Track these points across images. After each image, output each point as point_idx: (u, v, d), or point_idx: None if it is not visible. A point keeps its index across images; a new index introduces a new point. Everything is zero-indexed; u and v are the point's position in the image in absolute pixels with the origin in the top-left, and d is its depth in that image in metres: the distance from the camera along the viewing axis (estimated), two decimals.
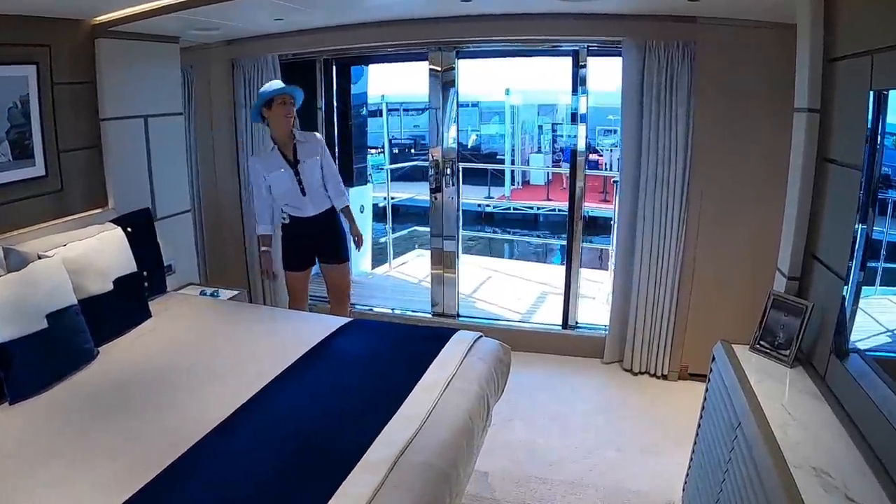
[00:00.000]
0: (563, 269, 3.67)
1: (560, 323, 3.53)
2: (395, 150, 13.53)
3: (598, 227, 8.38)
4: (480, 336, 2.25)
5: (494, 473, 2.32)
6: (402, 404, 1.74)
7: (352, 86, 4.22)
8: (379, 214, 5.64)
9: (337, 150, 4.03)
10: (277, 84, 2.81)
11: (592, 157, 10.55)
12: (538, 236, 10.73)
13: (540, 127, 13.94)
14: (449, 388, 1.86)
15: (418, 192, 5.73)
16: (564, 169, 4.01)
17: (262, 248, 2.97)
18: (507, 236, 10.34)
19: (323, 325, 2.35)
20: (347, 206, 3.04)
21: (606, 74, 3.42)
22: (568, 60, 3.24)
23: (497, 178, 12.25)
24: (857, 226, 1.44)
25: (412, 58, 3.86)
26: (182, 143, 3.17)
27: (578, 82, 3.23)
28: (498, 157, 13.83)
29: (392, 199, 5.50)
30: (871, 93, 1.39)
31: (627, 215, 3.13)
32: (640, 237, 3.08)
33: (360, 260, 4.80)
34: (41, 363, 1.87)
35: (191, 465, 1.50)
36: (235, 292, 3.04)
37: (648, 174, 2.99)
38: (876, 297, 1.45)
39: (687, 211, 2.98)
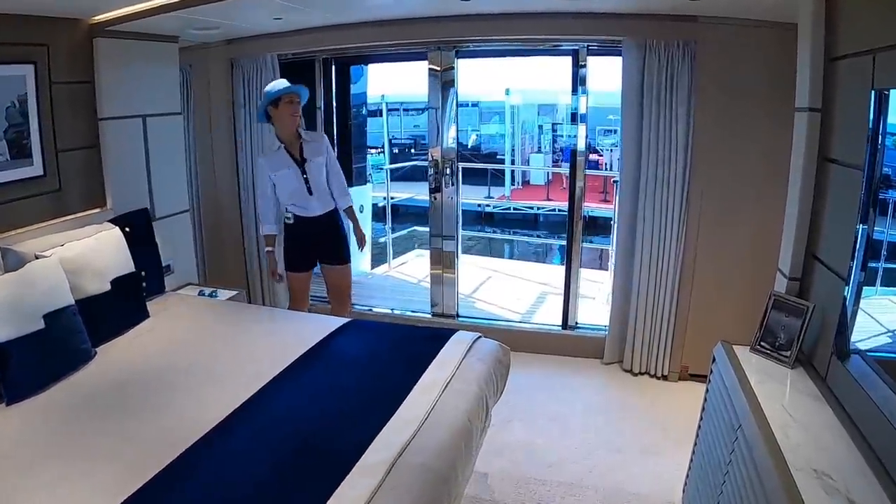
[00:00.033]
0: (562, 269, 3.66)
1: (560, 323, 3.52)
2: (395, 150, 13.53)
3: (598, 227, 8.37)
4: (479, 337, 2.24)
5: (494, 474, 2.31)
6: (401, 406, 1.73)
7: (351, 85, 4.21)
8: (378, 214, 5.64)
9: (336, 149, 4.01)
10: (283, 83, 2.80)
11: (592, 157, 10.54)
12: (538, 236, 10.73)
13: (540, 127, 13.94)
14: (447, 389, 1.85)
15: (418, 192, 5.73)
16: (564, 169, 3.99)
17: (267, 249, 2.94)
18: (507, 236, 10.33)
19: (321, 326, 2.35)
20: (351, 207, 3.04)
21: (606, 74, 3.41)
22: (568, 60, 3.23)
23: (497, 178, 12.25)
24: (858, 226, 1.43)
25: (411, 57, 3.85)
26: (181, 143, 3.16)
27: (578, 82, 3.22)
28: (498, 156, 13.83)
29: (392, 198, 5.50)
30: (873, 92, 1.38)
31: (627, 215, 3.12)
32: (640, 237, 3.07)
33: (360, 260, 4.79)
34: (38, 364, 1.86)
35: (188, 465, 1.49)
36: (234, 292, 3.03)
37: (648, 174, 2.99)
38: (877, 298, 1.44)
39: (687, 211, 2.97)
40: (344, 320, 2.44)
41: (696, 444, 1.95)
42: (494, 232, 10.23)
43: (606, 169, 10.82)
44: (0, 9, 2.18)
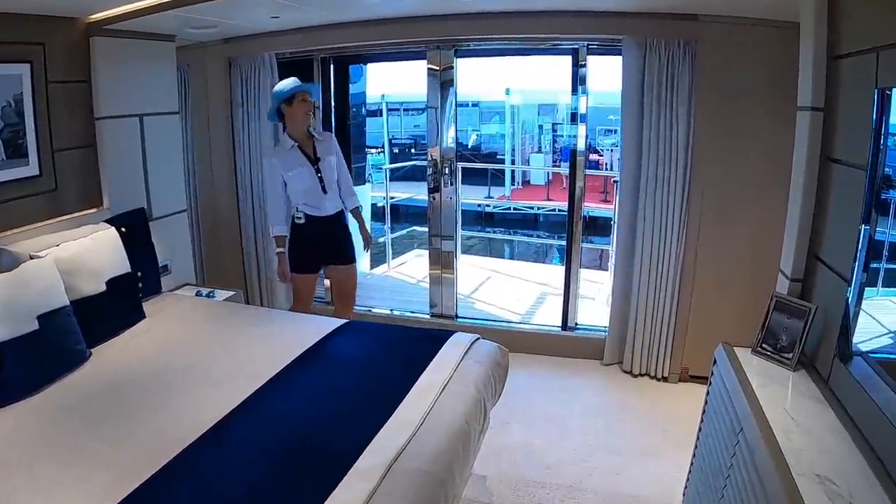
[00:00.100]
0: (562, 269, 3.64)
1: (559, 324, 3.51)
2: (395, 150, 13.53)
3: (598, 227, 8.36)
4: (478, 338, 2.22)
5: (492, 477, 2.29)
6: (398, 408, 1.72)
7: (351, 85, 4.20)
8: (378, 214, 5.63)
9: None
10: (295, 81, 2.79)
11: (593, 156, 10.53)
12: (538, 236, 10.72)
13: (540, 127, 13.94)
14: (445, 391, 1.83)
15: (417, 192, 5.72)
16: (564, 169, 3.98)
17: (279, 250, 2.87)
18: (506, 236, 10.32)
19: (319, 327, 2.33)
20: (357, 207, 3.03)
21: (606, 74, 3.40)
22: (568, 59, 3.21)
23: (497, 178, 12.25)
24: (861, 227, 1.41)
25: (410, 57, 3.84)
26: (178, 143, 3.14)
27: (578, 81, 3.20)
28: (498, 156, 13.83)
29: (391, 198, 5.48)
30: (876, 91, 1.36)
31: (627, 215, 3.11)
32: (640, 237, 3.05)
33: (360, 260, 4.77)
34: (32, 365, 1.84)
35: (184, 467, 1.48)
36: (231, 293, 3.01)
37: (649, 174, 2.97)
38: (878, 299, 1.42)
39: (688, 211, 2.95)
40: (341, 321, 2.42)
41: (696, 446, 1.93)
42: (494, 232, 10.22)
43: (606, 169, 10.81)
44: None
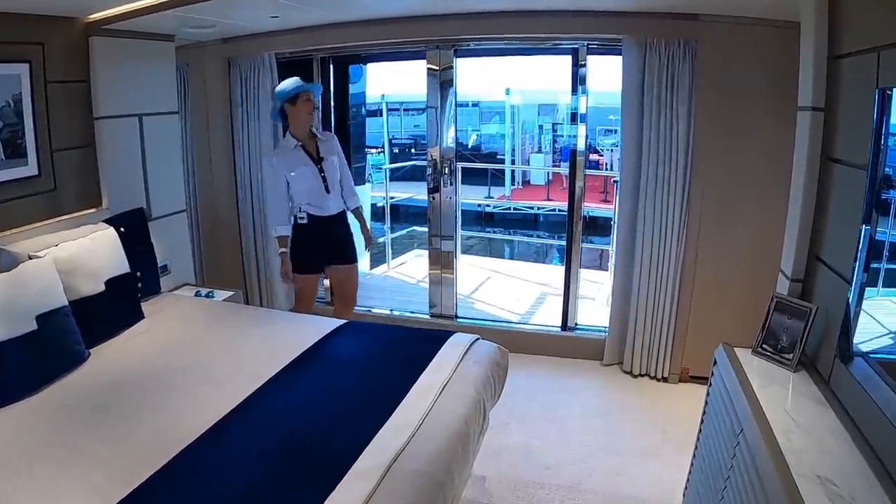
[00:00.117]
0: (562, 269, 3.63)
1: (559, 324, 3.50)
2: (396, 150, 13.53)
3: (598, 227, 8.36)
4: (477, 339, 2.22)
5: (491, 478, 2.28)
6: (396, 409, 1.71)
7: (350, 85, 4.19)
8: (378, 214, 5.62)
9: None
10: (298, 81, 2.79)
11: (593, 157, 10.53)
12: (538, 236, 10.71)
13: (540, 127, 13.94)
14: (444, 392, 1.83)
15: (417, 192, 5.71)
16: (564, 169, 3.97)
17: (282, 251, 2.85)
18: (506, 236, 10.32)
19: (318, 327, 2.33)
20: (359, 207, 3.02)
21: (607, 74, 3.40)
22: (568, 59, 3.21)
23: (497, 178, 12.24)
24: (861, 227, 1.40)
25: (410, 56, 3.83)
26: (177, 143, 3.13)
27: (578, 81, 3.19)
28: (498, 156, 13.83)
29: (391, 198, 5.48)
30: (877, 91, 1.35)
31: (627, 215, 3.10)
32: (640, 237, 3.05)
33: (360, 260, 4.77)
34: (30, 365, 1.84)
35: (182, 468, 1.48)
36: (231, 293, 3.00)
37: (649, 174, 2.96)
38: (879, 299, 1.41)
39: (688, 211, 2.94)
40: (340, 322, 2.42)
41: (696, 447, 1.93)
42: (494, 232, 10.21)
43: (606, 169, 10.81)
44: None
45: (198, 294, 2.92)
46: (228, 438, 1.60)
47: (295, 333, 2.27)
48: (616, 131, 7.93)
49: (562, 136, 12.92)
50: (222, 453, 1.54)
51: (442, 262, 3.65)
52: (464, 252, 5.18)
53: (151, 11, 2.44)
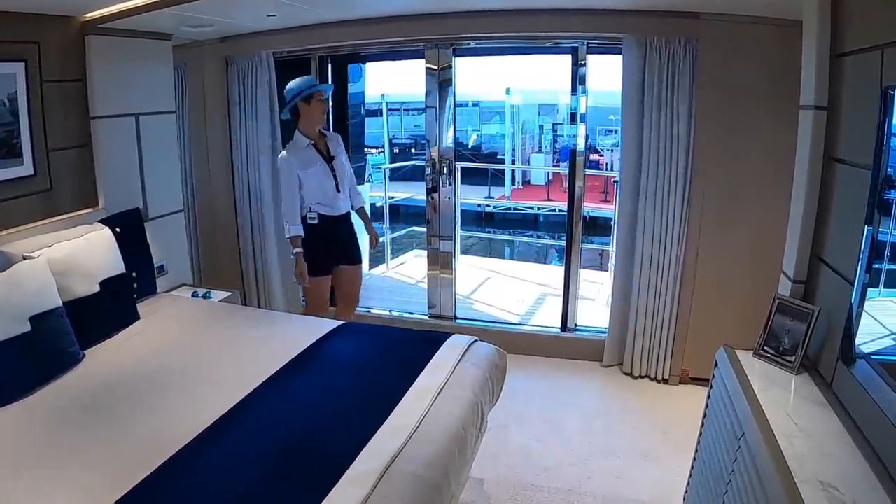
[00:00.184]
0: (562, 269, 3.61)
1: (559, 325, 3.48)
2: (395, 150, 13.51)
3: (598, 227, 8.33)
4: (475, 340, 2.20)
5: (489, 480, 2.27)
6: (393, 411, 1.70)
7: (350, 85, 4.17)
8: (377, 214, 5.61)
9: None
10: (312, 80, 2.79)
11: (593, 156, 10.52)
12: (538, 237, 10.69)
13: (540, 126, 13.92)
14: (441, 394, 1.81)
15: (417, 192, 5.70)
16: (564, 169, 3.95)
17: (297, 251, 2.77)
18: (506, 237, 10.30)
19: (315, 328, 2.31)
20: (363, 206, 3.03)
21: (606, 73, 3.38)
22: (568, 59, 3.19)
23: (497, 178, 12.22)
24: (864, 227, 1.38)
25: (409, 55, 3.81)
26: (174, 142, 3.12)
27: (578, 81, 3.18)
28: (498, 156, 13.81)
29: (391, 198, 5.47)
30: (881, 90, 1.33)
31: (628, 215, 3.08)
32: (640, 238, 3.03)
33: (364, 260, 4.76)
34: (24, 367, 1.82)
35: (177, 469, 1.47)
36: (228, 293, 2.98)
37: (649, 174, 2.94)
38: (880, 300, 1.39)
39: (688, 211, 2.92)
40: (338, 323, 2.40)
41: (697, 450, 1.91)
42: (494, 232, 10.20)
43: (606, 169, 10.79)
44: None
45: (195, 295, 2.90)
46: (225, 439, 1.59)
47: (292, 334, 2.26)
48: (616, 131, 7.91)
49: (562, 135, 12.90)
50: (218, 454, 1.53)
51: (441, 262, 3.64)
52: (463, 252, 5.16)
53: (148, 10, 2.42)
